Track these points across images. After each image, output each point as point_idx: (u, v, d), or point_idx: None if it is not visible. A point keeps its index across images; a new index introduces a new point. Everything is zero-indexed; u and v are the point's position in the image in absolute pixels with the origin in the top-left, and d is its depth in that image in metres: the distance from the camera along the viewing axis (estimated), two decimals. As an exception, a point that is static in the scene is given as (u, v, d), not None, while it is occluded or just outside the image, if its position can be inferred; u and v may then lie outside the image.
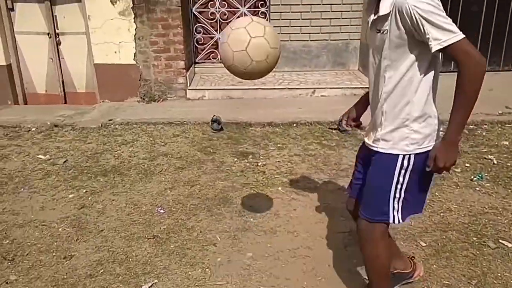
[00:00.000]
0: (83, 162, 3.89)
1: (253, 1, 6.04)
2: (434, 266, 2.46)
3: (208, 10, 6.06)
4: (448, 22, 1.58)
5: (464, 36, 1.58)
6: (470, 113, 1.67)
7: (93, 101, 5.66)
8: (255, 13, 6.09)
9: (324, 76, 6.12)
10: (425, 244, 2.65)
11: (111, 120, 4.84)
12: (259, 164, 3.78)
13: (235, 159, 3.88)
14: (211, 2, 6.03)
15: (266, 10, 6.07)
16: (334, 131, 4.49)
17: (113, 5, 5.30)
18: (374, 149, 1.87)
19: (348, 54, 6.34)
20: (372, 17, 1.78)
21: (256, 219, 2.97)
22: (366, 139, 1.96)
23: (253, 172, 3.65)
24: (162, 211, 3.07)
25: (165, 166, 3.76)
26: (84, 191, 3.38)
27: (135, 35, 5.39)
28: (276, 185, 3.43)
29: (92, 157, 3.99)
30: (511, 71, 5.96)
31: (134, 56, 5.47)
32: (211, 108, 5.08)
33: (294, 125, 4.65)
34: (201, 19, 6.09)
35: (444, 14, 1.60)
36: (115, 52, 5.46)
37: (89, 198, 3.28)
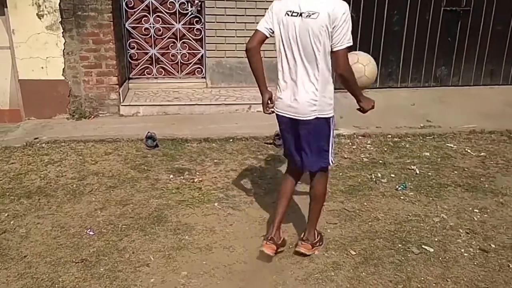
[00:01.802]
0: (5, 183, 3.64)
1: (188, 18, 6.05)
2: (363, 273, 2.57)
3: (142, 25, 5.97)
4: None
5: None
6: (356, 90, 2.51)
7: (17, 119, 5.32)
8: (190, 30, 6.10)
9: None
10: (354, 253, 2.76)
11: (36, 138, 4.58)
12: (195, 180, 3.75)
13: (171, 176, 3.82)
14: (145, 18, 5.95)
15: (201, 27, 6.10)
16: (269, 145, 4.57)
17: (40, 19, 5.06)
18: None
19: (283, 70, 6.50)
20: None
21: (192, 236, 2.94)
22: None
23: (189, 188, 3.61)
24: (91, 233, 2.94)
25: (96, 186, 3.62)
26: (6, 214, 3.16)
27: (64, 50, 5.18)
28: (212, 201, 3.42)
29: (15, 178, 3.74)
30: (431, 87, 6.43)
31: (63, 71, 5.24)
32: (145, 124, 4.98)
33: (231, 140, 4.68)
34: (135, 34, 5.99)
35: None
36: (42, 67, 5.20)
37: (11, 222, 3.07)
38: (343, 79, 2.37)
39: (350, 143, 4.67)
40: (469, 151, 4.42)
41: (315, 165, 2.60)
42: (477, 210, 3.31)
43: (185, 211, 3.25)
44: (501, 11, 6.24)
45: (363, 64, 2.69)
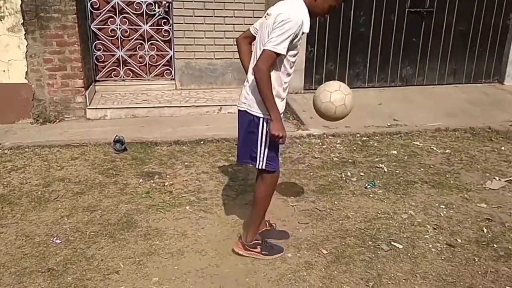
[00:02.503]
0: (-36, 192, 3.48)
1: (156, 19, 5.97)
2: (335, 272, 2.59)
3: (108, 26, 5.85)
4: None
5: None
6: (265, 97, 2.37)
7: (-23, 124, 5.11)
8: (158, 31, 6.02)
9: (231, 93, 6.21)
10: (326, 252, 2.79)
11: (-1, 144, 4.41)
12: (166, 184, 3.70)
13: (140, 180, 3.75)
14: (111, 19, 5.83)
15: (170, 28, 6.03)
16: (240, 147, 4.56)
17: (1, 21, 4.88)
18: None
19: (253, 71, 6.51)
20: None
21: (163, 241, 2.89)
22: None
23: (160, 192, 3.56)
24: (58, 241, 2.85)
25: (62, 192, 3.51)
26: (-34, 225, 3.02)
27: (26, 52, 5.01)
28: (183, 204, 3.38)
29: (-25, 186, 3.59)
30: (397, 87, 6.58)
31: (26, 74, 5.07)
32: (113, 127, 4.88)
33: (202, 142, 4.65)
34: (101, 36, 5.86)
35: None
36: (4, 70, 5.01)
37: (-28, 233, 2.93)
38: (255, 77, 2.35)
39: (321, 143, 4.72)
40: (434, 148, 4.55)
41: (241, 158, 2.68)
42: (443, 206, 3.40)
43: (155, 216, 3.20)
44: (462, 12, 6.46)
45: (344, 94, 2.66)
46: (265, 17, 2.50)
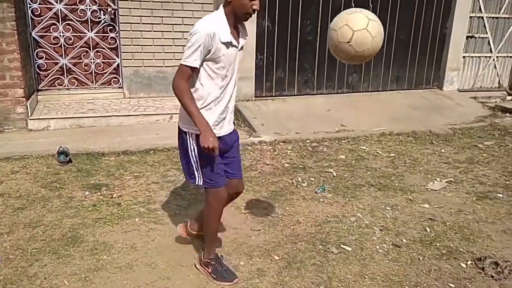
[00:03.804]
0: None
1: (102, 26, 5.81)
2: (287, 278, 2.62)
3: (51, 34, 5.63)
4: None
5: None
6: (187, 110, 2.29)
7: None
8: (104, 38, 5.86)
9: (181, 101, 6.15)
10: (278, 258, 2.81)
11: None
12: (114, 196, 3.58)
13: (86, 193, 3.61)
14: (54, 26, 5.61)
15: (116, 36, 5.89)
16: (191, 155, 4.51)
17: None
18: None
19: (203, 79, 6.49)
20: (243, 40, 2.43)
21: (111, 255, 2.79)
22: (223, 132, 2.48)
23: (107, 205, 3.44)
24: (-4, 260, 2.68)
25: (1, 208, 3.31)
26: None
27: (-41, 60, 4.71)
28: (133, 216, 3.29)
29: None
30: (344, 93, 6.79)
31: (-41, 84, 4.77)
32: (58, 138, 4.68)
33: (152, 152, 4.55)
34: (43, 43, 5.62)
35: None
36: None
37: None
38: (173, 91, 2.29)
39: (272, 150, 4.78)
40: (380, 152, 4.73)
41: (186, 175, 2.59)
42: (389, 208, 3.54)
43: (103, 229, 3.09)
44: (403, 22, 6.79)
45: (372, 36, 2.40)
46: None
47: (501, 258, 2.82)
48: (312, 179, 4.03)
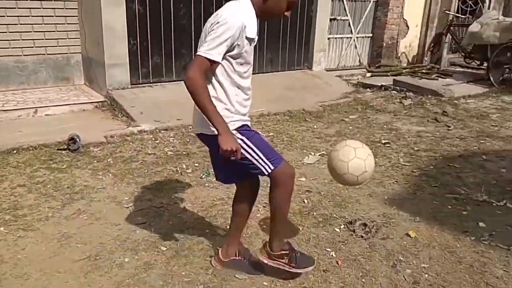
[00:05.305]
0: None
1: None
2: (175, 267, 2.58)
3: None
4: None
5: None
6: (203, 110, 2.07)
7: None
8: None
9: (47, 93, 5.59)
10: (165, 248, 2.75)
11: None
12: (-30, 206, 3.15)
13: None
14: None
15: (-42, 21, 5.09)
16: (64, 151, 4.17)
17: None
18: None
19: (71, 68, 5.97)
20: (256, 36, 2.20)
21: (-29, 273, 2.45)
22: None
23: (-37, 216, 3.01)
24: None
25: None
26: None
27: None
28: (-4, 226, 2.93)
29: None
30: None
31: None
32: None
33: (15, 152, 4.09)
34: None
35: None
36: None
37: None
38: (186, 86, 2.04)
39: (153, 138, 4.64)
40: (260, 132, 4.90)
41: (227, 178, 2.67)
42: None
43: (-41, 245, 2.70)
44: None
45: (363, 159, 2.45)
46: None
47: (369, 219, 3.15)
48: (197, 165, 4.02)
